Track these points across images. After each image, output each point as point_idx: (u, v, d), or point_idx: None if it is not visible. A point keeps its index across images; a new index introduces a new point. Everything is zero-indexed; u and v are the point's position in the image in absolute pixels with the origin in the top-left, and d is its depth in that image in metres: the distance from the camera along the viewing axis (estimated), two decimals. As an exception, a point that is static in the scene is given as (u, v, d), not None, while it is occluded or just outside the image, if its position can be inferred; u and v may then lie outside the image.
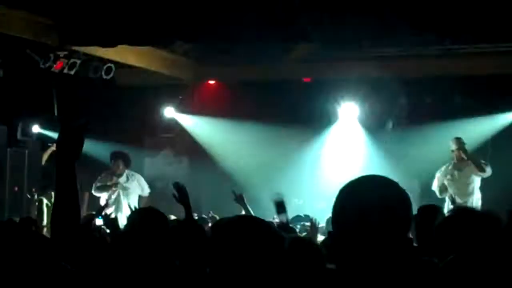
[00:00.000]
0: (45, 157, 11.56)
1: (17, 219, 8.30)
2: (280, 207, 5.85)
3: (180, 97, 12.96)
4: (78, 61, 10.17)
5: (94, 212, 7.51)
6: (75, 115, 10.74)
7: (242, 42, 9.75)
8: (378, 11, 7.54)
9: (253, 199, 7.64)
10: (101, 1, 8.28)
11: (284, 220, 5.72)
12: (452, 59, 10.97)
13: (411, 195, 2.00)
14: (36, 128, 11.81)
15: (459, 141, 9.99)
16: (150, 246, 3.64)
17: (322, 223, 6.54)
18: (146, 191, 10.66)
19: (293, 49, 11.14)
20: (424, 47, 10.66)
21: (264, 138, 12.10)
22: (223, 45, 10.58)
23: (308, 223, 6.67)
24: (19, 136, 11.42)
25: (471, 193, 9.93)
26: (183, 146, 13.33)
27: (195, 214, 6.70)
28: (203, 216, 8.33)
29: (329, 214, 2.32)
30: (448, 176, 9.96)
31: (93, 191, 10.70)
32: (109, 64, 10.58)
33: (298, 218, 8.63)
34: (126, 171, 10.66)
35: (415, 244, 3.94)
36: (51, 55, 9.90)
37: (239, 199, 6.41)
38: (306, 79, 12.39)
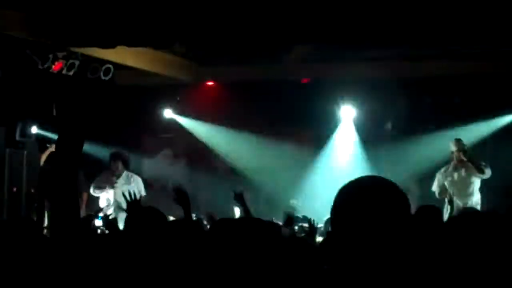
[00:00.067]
0: (43, 158, 11.55)
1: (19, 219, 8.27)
2: (289, 220, 5.88)
3: (178, 98, 12.97)
4: (77, 62, 10.16)
5: (93, 213, 7.53)
6: (74, 116, 10.73)
7: (241, 43, 9.75)
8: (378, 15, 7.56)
9: (252, 199, 7.65)
10: (100, 2, 8.28)
11: (287, 233, 5.68)
12: (451, 59, 10.97)
13: (409, 196, 2.01)
14: (34, 129, 11.80)
15: (459, 142, 10.01)
16: (150, 245, 3.64)
17: (320, 224, 6.55)
18: (142, 194, 10.66)
19: (292, 50, 11.14)
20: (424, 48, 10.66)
21: (262, 139, 12.12)
22: (222, 46, 10.58)
23: (306, 224, 6.67)
24: (17, 136, 11.39)
25: (470, 195, 9.94)
26: (182, 147, 13.34)
27: (193, 215, 6.69)
28: (201, 216, 8.33)
29: (327, 215, 2.33)
30: (448, 178, 9.97)
31: (92, 191, 10.72)
32: (108, 65, 10.57)
33: (295, 219, 8.63)
34: (125, 172, 10.69)
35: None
36: (50, 55, 9.90)
37: (238, 198, 6.19)
38: (304, 80, 12.40)
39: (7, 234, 2.65)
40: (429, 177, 10.27)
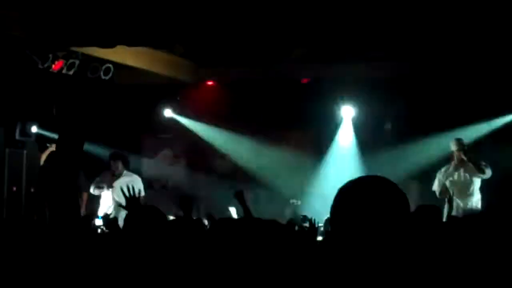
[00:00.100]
0: (43, 157, 11.55)
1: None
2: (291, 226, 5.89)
3: (178, 98, 12.97)
4: (77, 62, 10.16)
5: (93, 213, 7.54)
6: (74, 115, 10.73)
7: (241, 43, 9.75)
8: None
9: (252, 199, 7.65)
10: (100, 2, 8.28)
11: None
12: (451, 59, 10.96)
13: (409, 196, 2.01)
14: (34, 129, 11.79)
15: (459, 142, 10.00)
16: (150, 244, 3.65)
17: (320, 224, 6.55)
18: (142, 194, 10.66)
19: (291, 50, 11.14)
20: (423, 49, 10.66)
21: (262, 138, 12.12)
22: (222, 46, 10.58)
23: (306, 224, 6.66)
24: (17, 136, 11.38)
25: (471, 194, 9.93)
26: (182, 147, 13.34)
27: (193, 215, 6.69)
28: (200, 217, 8.33)
29: (327, 215, 2.33)
30: (449, 178, 9.97)
31: (91, 191, 10.73)
32: (108, 65, 10.58)
33: (296, 220, 8.62)
34: (125, 172, 10.69)
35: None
36: (50, 55, 9.90)
37: (238, 196, 6.12)
38: (304, 80, 12.40)
39: (7, 234, 2.65)
40: (429, 177, 10.26)
